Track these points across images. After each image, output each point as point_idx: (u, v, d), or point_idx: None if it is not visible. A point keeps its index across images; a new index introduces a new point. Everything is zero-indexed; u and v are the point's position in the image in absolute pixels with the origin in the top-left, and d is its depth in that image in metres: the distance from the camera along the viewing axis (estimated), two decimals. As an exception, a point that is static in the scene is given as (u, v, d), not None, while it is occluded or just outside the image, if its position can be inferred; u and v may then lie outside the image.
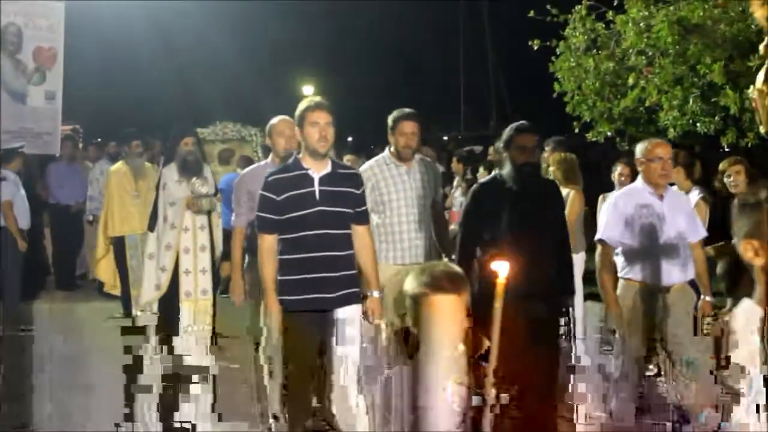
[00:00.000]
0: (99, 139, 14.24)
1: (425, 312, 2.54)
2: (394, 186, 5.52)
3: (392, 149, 5.62)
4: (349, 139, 22.09)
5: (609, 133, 9.35)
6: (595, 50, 9.15)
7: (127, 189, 9.05)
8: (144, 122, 14.54)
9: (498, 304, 2.35)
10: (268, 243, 4.44)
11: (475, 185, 5.27)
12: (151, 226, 7.68)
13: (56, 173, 11.22)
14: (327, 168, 4.49)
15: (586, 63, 9.04)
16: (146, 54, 23.79)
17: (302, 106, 4.47)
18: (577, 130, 9.51)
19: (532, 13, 9.23)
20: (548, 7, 9.06)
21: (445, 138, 25.53)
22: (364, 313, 4.57)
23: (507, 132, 5.04)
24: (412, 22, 28.10)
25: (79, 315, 9.44)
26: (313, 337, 4.43)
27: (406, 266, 5.46)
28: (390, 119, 5.59)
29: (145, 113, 22.02)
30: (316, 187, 4.42)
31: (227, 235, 6.89)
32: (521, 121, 5.16)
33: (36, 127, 11.01)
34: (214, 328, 7.67)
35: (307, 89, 30.79)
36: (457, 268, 2.65)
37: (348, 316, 4.47)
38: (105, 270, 9.21)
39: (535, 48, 9.37)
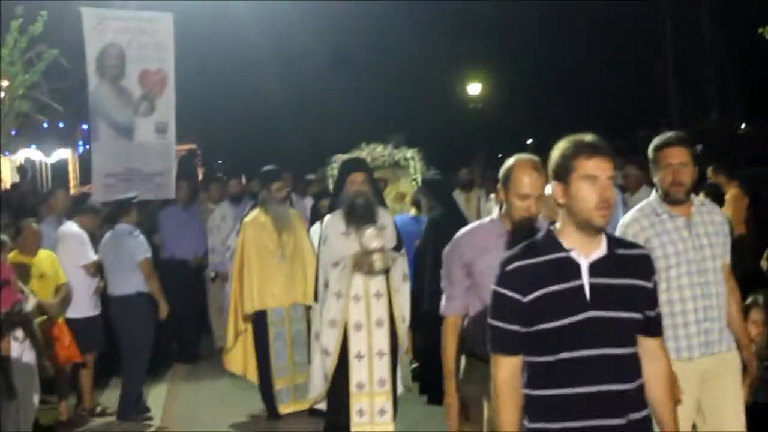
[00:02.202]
0: (222, 176, 14.39)
1: None
2: (672, 246, 4.89)
3: (659, 191, 5.02)
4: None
5: None
6: None
7: (269, 246, 8.47)
8: (271, 154, 14.70)
9: None
10: (509, 370, 3.55)
11: None
12: (317, 295, 7.35)
13: (169, 220, 11.46)
14: (601, 248, 3.52)
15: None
16: (269, 67, 23.74)
17: (569, 147, 3.50)
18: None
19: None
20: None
21: (649, 134, 24.75)
22: None
23: None
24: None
25: (208, 399, 9.55)
26: None
27: (694, 361, 4.89)
28: (650, 148, 5.03)
29: (271, 141, 21.91)
30: (585, 280, 3.48)
31: (415, 299, 6.34)
32: None
33: (146, 168, 11.24)
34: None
35: (473, 87, 30.87)
36: None
37: None
38: (238, 359, 8.64)
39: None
